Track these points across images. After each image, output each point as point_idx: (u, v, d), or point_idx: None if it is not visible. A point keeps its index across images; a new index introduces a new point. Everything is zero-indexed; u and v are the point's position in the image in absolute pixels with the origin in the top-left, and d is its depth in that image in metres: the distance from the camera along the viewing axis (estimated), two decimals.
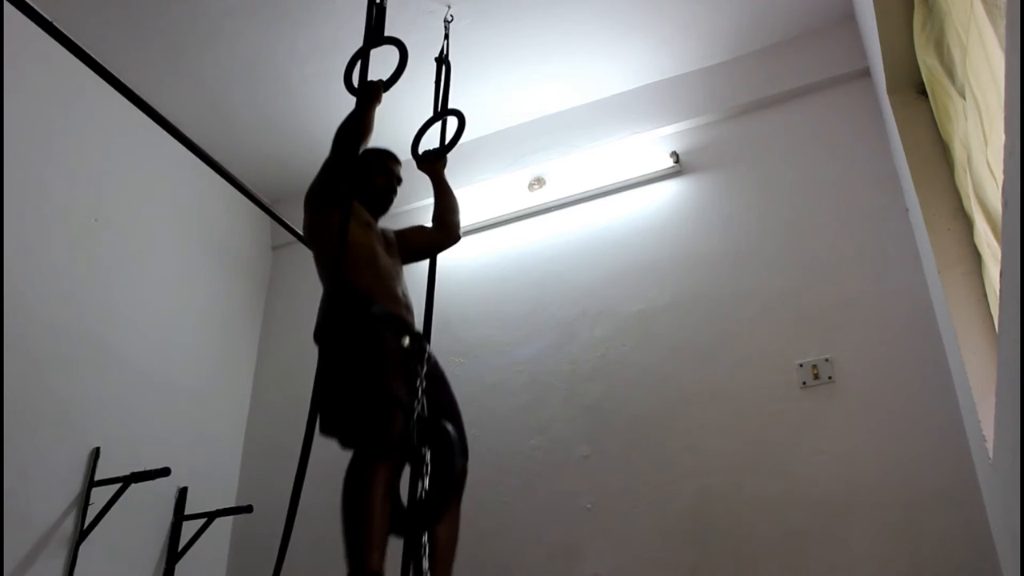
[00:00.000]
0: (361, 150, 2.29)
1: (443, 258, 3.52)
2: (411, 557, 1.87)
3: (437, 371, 2.22)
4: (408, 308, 2.25)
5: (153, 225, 3.39)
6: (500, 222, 3.59)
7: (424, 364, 2.09)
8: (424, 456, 1.94)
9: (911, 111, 2.55)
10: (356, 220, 2.25)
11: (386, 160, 2.47)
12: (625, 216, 3.36)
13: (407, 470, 2.00)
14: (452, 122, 2.73)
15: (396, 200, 2.52)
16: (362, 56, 2.38)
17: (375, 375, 1.97)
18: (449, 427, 2.03)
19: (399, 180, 2.49)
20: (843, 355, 2.73)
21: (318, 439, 2.00)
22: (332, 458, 3.36)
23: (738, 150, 3.29)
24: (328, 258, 2.18)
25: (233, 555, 3.36)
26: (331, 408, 1.98)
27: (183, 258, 3.53)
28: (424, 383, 2.04)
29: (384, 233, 2.44)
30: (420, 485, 1.91)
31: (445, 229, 2.59)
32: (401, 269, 2.38)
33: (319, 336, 2.10)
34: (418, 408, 1.97)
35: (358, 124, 2.26)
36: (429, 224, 2.62)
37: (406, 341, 2.12)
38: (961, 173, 2.18)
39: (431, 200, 2.67)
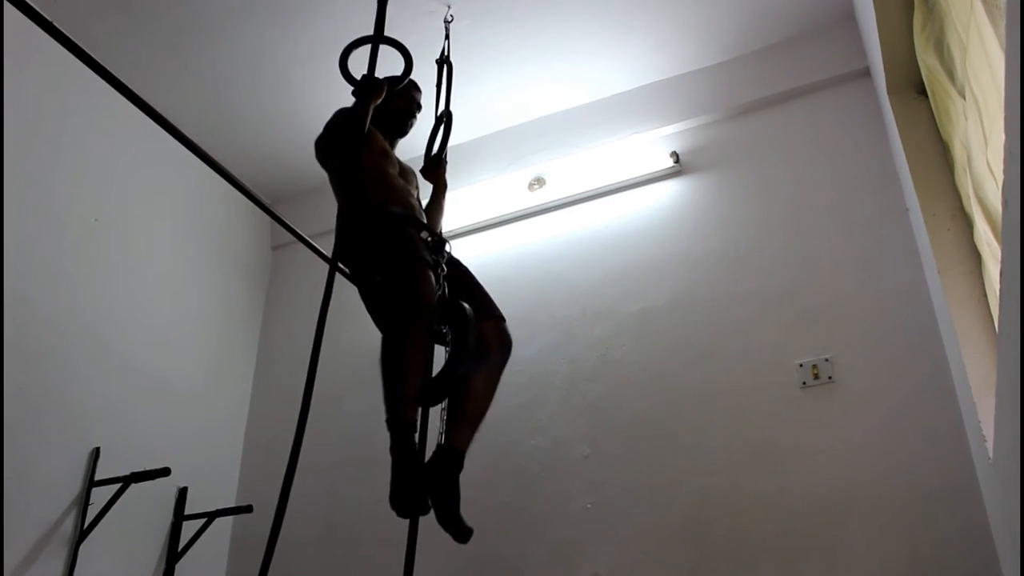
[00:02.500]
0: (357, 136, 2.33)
1: None
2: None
3: (456, 262, 2.34)
4: (424, 215, 2.38)
5: (153, 225, 3.39)
6: (500, 222, 3.58)
7: (444, 254, 2.23)
8: (445, 334, 2.07)
9: (911, 111, 2.55)
10: (372, 149, 2.33)
11: (408, 87, 2.55)
12: (625, 216, 3.36)
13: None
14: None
15: None
16: (373, 50, 2.41)
17: (404, 251, 2.08)
18: (465, 305, 2.10)
19: (419, 107, 2.58)
20: (843, 355, 2.73)
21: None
22: (332, 458, 3.36)
23: (738, 150, 3.29)
24: (343, 177, 2.26)
25: (233, 555, 3.36)
26: (375, 305, 2.11)
27: (183, 258, 3.53)
28: (445, 271, 2.16)
29: (401, 163, 2.50)
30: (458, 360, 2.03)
31: None
32: (417, 193, 2.47)
33: (342, 251, 2.15)
34: (439, 291, 2.06)
35: (358, 117, 2.28)
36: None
37: (425, 234, 2.24)
38: (961, 173, 2.18)
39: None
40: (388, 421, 1.94)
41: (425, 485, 1.94)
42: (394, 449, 1.92)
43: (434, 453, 2.05)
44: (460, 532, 1.94)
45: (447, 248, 2.29)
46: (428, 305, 1.98)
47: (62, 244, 2.93)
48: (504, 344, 2.25)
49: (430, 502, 1.95)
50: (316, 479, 3.17)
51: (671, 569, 2.65)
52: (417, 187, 2.54)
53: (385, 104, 2.39)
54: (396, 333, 1.96)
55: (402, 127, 2.53)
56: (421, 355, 1.97)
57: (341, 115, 2.36)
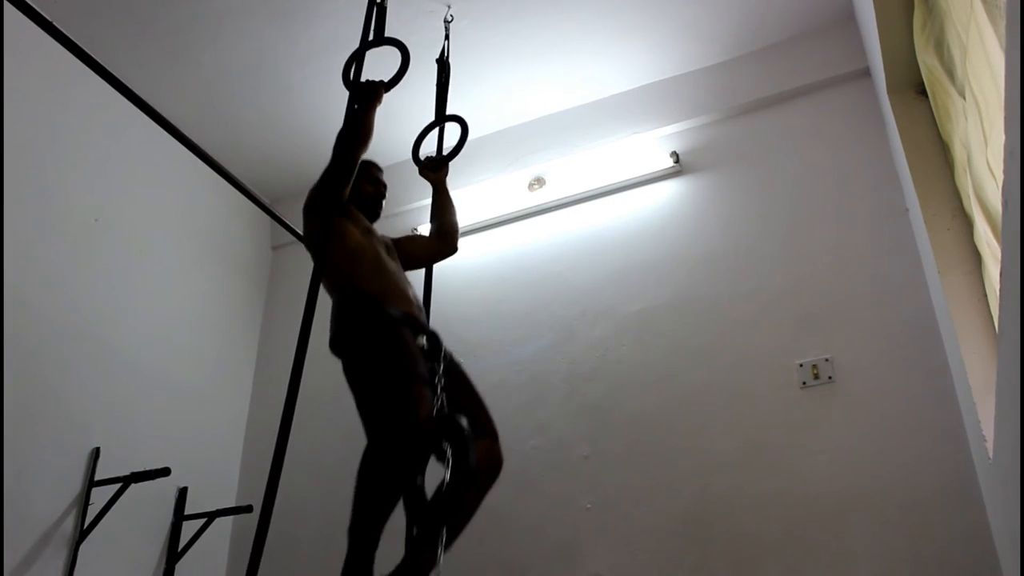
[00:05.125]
0: (363, 154, 2.26)
1: None
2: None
3: (453, 364, 2.22)
4: (419, 308, 2.23)
5: (153, 225, 3.39)
6: (500, 222, 3.58)
7: (442, 362, 2.10)
8: (445, 451, 1.95)
9: (911, 111, 2.55)
10: (357, 226, 2.26)
11: (370, 168, 2.46)
12: (625, 216, 3.36)
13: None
14: (453, 127, 2.72)
15: (394, 201, 2.51)
16: (358, 57, 2.36)
17: (401, 366, 1.96)
18: (463, 421, 2.00)
19: (385, 186, 2.48)
20: (843, 355, 2.73)
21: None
22: (331, 457, 3.36)
23: (738, 150, 3.29)
24: (335, 265, 2.17)
25: (233, 555, 3.36)
26: (363, 409, 1.99)
27: (183, 258, 3.53)
28: (443, 380, 2.05)
29: (383, 239, 2.41)
30: (443, 480, 1.93)
31: (445, 240, 2.56)
32: (404, 272, 2.37)
33: (337, 345, 2.08)
34: (438, 404, 1.97)
35: (358, 126, 2.24)
36: (423, 229, 2.61)
37: (423, 341, 2.12)
38: (961, 173, 2.18)
39: (427, 201, 2.67)
40: (351, 535, 1.82)
41: None
42: (349, 566, 1.79)
43: (401, 563, 1.91)
44: None
45: (443, 350, 2.16)
46: (423, 431, 1.86)
47: (62, 244, 2.93)
48: (494, 468, 2.12)
49: None
50: (315, 479, 3.18)
51: (671, 569, 2.65)
52: (400, 264, 2.39)
53: (354, 192, 2.32)
54: (386, 456, 1.84)
55: (376, 211, 2.43)
56: (403, 486, 1.88)
57: (340, 134, 2.27)
